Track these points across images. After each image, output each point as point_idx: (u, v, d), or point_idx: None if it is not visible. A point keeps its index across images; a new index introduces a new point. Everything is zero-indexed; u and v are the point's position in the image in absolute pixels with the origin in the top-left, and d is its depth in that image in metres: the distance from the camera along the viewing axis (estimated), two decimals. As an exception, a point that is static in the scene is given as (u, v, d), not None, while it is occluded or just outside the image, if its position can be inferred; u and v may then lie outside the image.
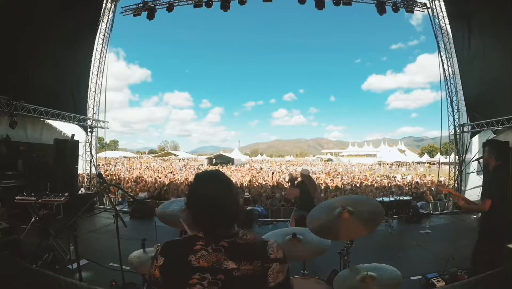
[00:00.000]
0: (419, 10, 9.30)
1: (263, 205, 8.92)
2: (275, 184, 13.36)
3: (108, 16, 9.62)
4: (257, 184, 14.67)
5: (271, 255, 0.97)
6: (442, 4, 8.86)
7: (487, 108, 7.83)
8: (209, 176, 1.08)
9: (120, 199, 10.37)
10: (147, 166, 28.26)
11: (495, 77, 7.25)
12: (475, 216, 7.01)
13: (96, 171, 9.97)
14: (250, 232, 1.03)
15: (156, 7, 9.08)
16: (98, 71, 9.81)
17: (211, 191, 1.01)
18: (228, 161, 38.88)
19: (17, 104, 6.45)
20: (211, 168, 28.75)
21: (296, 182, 5.53)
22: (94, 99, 9.82)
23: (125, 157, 41.50)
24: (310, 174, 6.06)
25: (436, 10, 9.04)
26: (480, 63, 7.74)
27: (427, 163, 37.43)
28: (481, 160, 3.28)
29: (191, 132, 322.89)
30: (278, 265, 0.97)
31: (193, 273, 0.93)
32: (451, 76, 9.14)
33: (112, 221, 2.67)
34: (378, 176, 20.91)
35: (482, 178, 2.89)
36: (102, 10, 9.27)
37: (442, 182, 11.42)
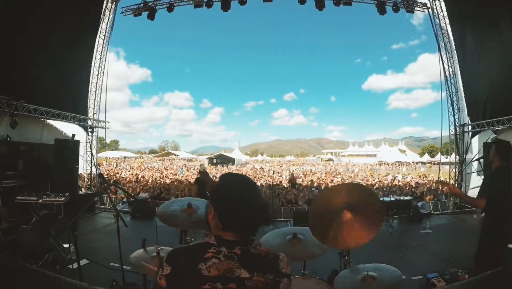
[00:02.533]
0: (419, 10, 9.30)
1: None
2: (276, 184, 13.35)
3: (109, 16, 9.65)
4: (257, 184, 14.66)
5: (282, 270, 0.95)
6: (443, 4, 8.86)
7: (487, 108, 7.83)
8: (243, 180, 1.06)
9: (120, 199, 10.38)
10: (148, 166, 28.27)
11: (495, 77, 7.25)
12: (475, 216, 7.01)
13: (96, 170, 9.99)
14: (259, 243, 1.01)
15: (157, 7, 9.09)
16: (98, 71, 9.83)
17: (251, 195, 1.00)
18: (229, 160, 38.89)
19: (17, 104, 6.46)
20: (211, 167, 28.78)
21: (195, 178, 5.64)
22: (95, 99, 9.84)
23: (125, 157, 41.56)
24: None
25: (437, 10, 9.04)
26: (480, 63, 7.73)
27: (428, 163, 37.38)
28: (481, 160, 3.25)
29: (192, 132, 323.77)
30: (287, 280, 0.95)
31: (203, 283, 0.88)
32: (452, 76, 9.13)
33: (113, 221, 2.66)
34: (378, 176, 20.89)
35: (483, 176, 2.85)
36: (103, 10, 9.30)
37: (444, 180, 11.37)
